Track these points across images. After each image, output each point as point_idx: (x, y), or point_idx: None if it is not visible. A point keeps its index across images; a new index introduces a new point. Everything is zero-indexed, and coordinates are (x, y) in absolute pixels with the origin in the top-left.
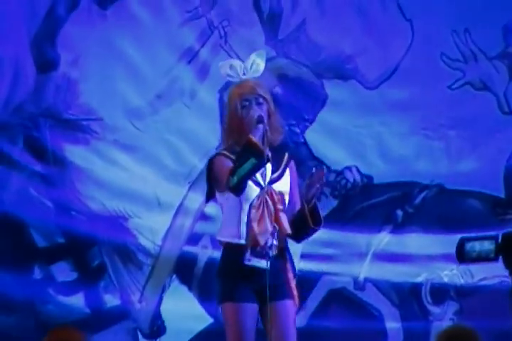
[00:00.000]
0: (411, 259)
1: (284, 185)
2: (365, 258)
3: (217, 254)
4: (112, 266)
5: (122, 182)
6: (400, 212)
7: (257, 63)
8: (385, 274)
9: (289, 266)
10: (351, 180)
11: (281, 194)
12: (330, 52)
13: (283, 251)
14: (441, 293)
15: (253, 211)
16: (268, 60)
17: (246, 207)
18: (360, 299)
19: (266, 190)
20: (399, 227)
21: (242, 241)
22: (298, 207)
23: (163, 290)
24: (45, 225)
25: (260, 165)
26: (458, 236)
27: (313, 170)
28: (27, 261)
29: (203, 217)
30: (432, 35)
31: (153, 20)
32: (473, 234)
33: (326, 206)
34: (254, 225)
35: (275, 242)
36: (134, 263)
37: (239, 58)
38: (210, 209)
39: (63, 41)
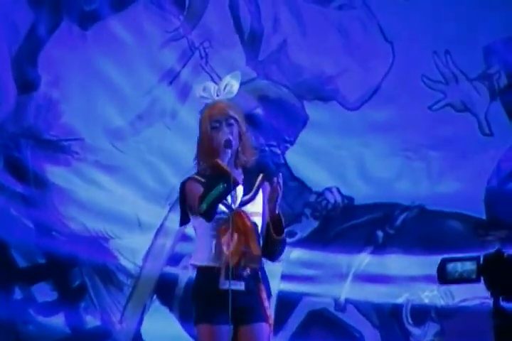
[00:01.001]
0: (391, 280)
1: (256, 207)
2: (345, 279)
3: None
4: (92, 286)
5: (103, 203)
6: (380, 233)
7: (231, 84)
8: (366, 295)
9: (262, 286)
10: (332, 201)
11: (253, 215)
12: (310, 73)
13: (256, 272)
14: (421, 314)
15: (222, 234)
16: (249, 81)
17: (216, 230)
18: (341, 320)
19: (235, 212)
20: (379, 248)
21: (214, 264)
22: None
23: (144, 311)
24: (25, 246)
25: (229, 190)
26: (439, 258)
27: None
28: (7, 282)
29: (184, 237)
30: (412, 56)
31: (134, 41)
32: (454, 255)
33: (307, 227)
34: (224, 248)
35: (247, 263)
36: (114, 284)
37: (220, 79)
38: (191, 230)
39: (44, 61)
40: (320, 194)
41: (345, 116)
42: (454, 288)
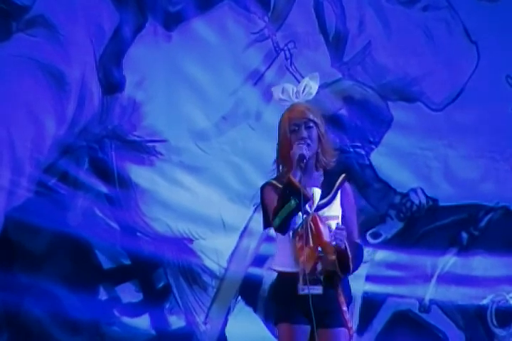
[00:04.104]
0: (476, 281)
1: (334, 210)
2: (430, 280)
3: None
4: (177, 287)
5: (187, 204)
6: (465, 235)
7: (310, 86)
8: (451, 296)
9: (340, 290)
10: (416, 202)
11: (329, 219)
12: (395, 74)
13: (333, 276)
14: (506, 315)
15: (297, 238)
16: (333, 82)
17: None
18: (426, 321)
19: (310, 217)
20: (464, 249)
21: (292, 270)
22: (355, 229)
23: (228, 312)
24: (110, 246)
25: (300, 206)
26: None
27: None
28: (92, 282)
29: (268, 238)
30: (497, 57)
31: (219, 42)
32: None
33: (392, 228)
34: (299, 252)
35: (323, 267)
36: (199, 285)
37: None
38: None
39: (129, 63)
40: (404, 195)
41: (429, 117)
42: None
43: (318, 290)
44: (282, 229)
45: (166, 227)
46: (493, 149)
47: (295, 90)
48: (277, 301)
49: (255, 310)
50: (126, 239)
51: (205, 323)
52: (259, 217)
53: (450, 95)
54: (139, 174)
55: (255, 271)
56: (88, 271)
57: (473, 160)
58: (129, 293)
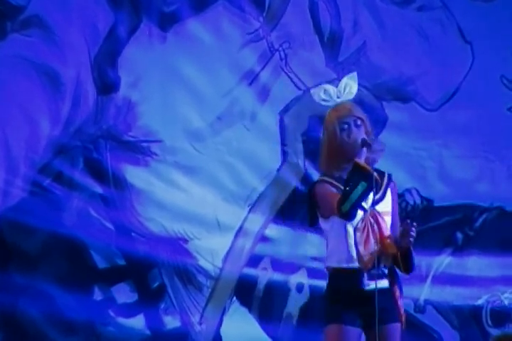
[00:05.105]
0: (471, 282)
1: (386, 206)
2: (425, 281)
3: (277, 276)
4: (172, 287)
5: (182, 204)
6: (460, 235)
7: (350, 85)
8: (445, 296)
9: (396, 285)
10: (411, 202)
11: (384, 214)
12: (390, 74)
13: (390, 271)
14: (501, 315)
15: (358, 234)
16: (328, 83)
17: (351, 231)
18: (420, 321)
19: (369, 212)
20: (459, 250)
21: (351, 265)
22: (397, 228)
23: (224, 312)
24: (105, 247)
25: (371, 188)
26: None
27: (408, 220)
28: (87, 283)
29: (263, 239)
30: (492, 57)
31: (214, 42)
32: None
33: None
34: (361, 248)
35: (384, 262)
36: (194, 285)
37: (299, 80)
38: (270, 231)
39: (124, 63)
40: (399, 195)
41: (424, 117)
42: None
43: (384, 284)
44: (351, 214)
45: (160, 227)
46: (488, 149)
47: (336, 90)
48: (335, 299)
49: (250, 310)
50: (121, 239)
51: (200, 323)
52: (253, 217)
53: (445, 95)
54: (134, 174)
55: (250, 271)
56: (83, 272)
57: (468, 160)
58: (123, 294)
